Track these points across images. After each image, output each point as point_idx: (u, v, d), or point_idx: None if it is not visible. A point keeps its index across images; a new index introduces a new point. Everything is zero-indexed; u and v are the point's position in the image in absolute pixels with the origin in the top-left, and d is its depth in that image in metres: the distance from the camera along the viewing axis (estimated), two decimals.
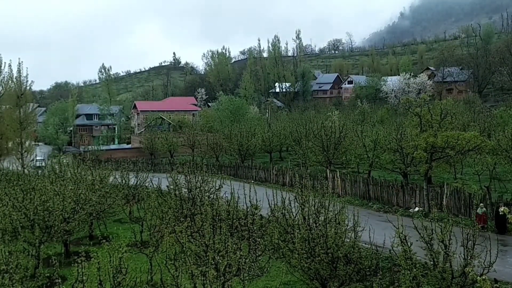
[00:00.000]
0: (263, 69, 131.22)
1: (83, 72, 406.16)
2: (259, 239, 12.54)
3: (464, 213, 22.75)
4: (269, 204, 14.63)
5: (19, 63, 39.84)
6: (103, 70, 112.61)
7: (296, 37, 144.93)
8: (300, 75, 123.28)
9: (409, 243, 10.74)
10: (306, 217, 13.37)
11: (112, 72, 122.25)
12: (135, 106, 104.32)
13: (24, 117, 41.08)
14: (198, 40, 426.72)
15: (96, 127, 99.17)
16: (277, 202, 14.17)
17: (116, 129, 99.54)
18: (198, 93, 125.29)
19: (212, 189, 19.04)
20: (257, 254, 11.99)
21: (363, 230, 12.92)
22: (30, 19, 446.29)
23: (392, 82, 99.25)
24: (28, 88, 41.25)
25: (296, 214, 13.79)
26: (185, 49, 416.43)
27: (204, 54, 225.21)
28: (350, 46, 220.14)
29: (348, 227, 12.96)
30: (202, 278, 9.70)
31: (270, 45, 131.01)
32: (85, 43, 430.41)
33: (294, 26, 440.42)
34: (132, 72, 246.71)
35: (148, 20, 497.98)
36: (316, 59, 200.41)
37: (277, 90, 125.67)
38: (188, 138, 54.71)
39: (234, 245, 11.15)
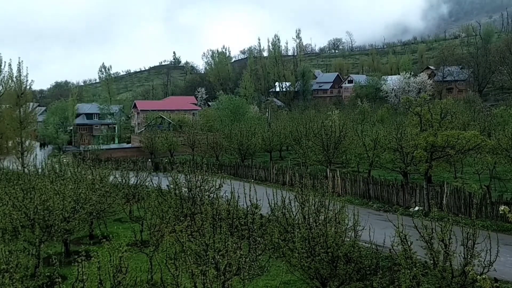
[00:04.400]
0: (263, 68, 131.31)
1: (83, 72, 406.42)
2: (259, 238, 12.54)
3: (464, 212, 22.73)
4: (269, 203, 14.63)
5: (19, 62, 39.90)
6: (103, 70, 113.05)
7: (296, 36, 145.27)
8: (300, 74, 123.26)
9: (409, 242, 10.73)
10: (306, 216, 13.36)
11: (112, 71, 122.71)
12: (135, 106, 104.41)
13: (24, 117, 41.11)
14: (198, 39, 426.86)
15: (96, 126, 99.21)
16: (277, 201, 14.17)
17: (116, 128, 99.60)
18: (198, 92, 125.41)
19: (212, 189, 19.03)
20: (257, 253, 11.99)
21: (363, 229, 12.92)
22: (29, 16, 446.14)
23: (392, 81, 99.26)
24: (28, 87, 41.28)
25: (296, 214, 13.79)
26: (185, 48, 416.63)
27: (204, 53, 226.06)
28: (350, 45, 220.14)
29: (348, 226, 12.95)
30: (202, 277, 9.71)
31: (270, 44, 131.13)
32: (85, 42, 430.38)
33: (294, 25, 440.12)
34: (132, 71, 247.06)
35: (148, 19, 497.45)
36: (316, 59, 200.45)
37: (277, 89, 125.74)
38: (188, 138, 54.70)
39: (234, 245, 11.15)
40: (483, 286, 7.20)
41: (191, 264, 10.25)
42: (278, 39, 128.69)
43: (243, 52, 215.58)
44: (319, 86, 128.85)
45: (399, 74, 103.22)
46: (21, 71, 39.89)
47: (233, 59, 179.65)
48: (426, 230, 10.71)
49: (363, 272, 12.26)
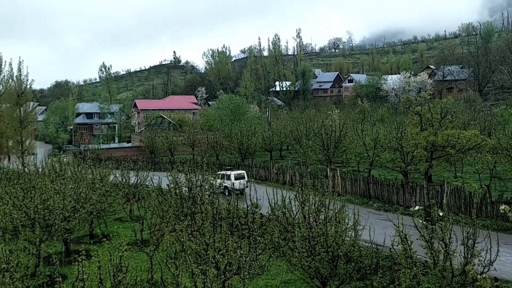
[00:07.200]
0: (264, 67, 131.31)
1: (83, 71, 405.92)
2: (260, 238, 12.53)
3: (464, 211, 22.74)
4: (269, 202, 14.64)
5: (20, 62, 39.92)
6: (103, 69, 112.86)
7: (297, 35, 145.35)
8: (300, 73, 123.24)
9: (409, 242, 10.74)
10: (307, 216, 13.36)
11: (112, 70, 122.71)
12: (135, 105, 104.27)
13: (24, 116, 41.16)
14: (198, 38, 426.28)
15: (96, 125, 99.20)
16: (277, 200, 14.18)
17: (116, 127, 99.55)
18: (199, 91, 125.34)
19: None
20: (257, 253, 11.98)
21: (363, 228, 12.92)
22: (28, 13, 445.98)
23: (392, 80, 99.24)
24: (28, 86, 41.32)
25: (296, 213, 13.80)
26: (186, 48, 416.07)
27: (204, 52, 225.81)
28: (350, 44, 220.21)
29: (348, 225, 12.96)
30: (203, 277, 9.71)
31: (270, 44, 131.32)
32: (85, 41, 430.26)
33: (294, 25, 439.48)
34: (132, 71, 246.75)
35: (148, 19, 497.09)
36: (316, 58, 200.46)
37: (278, 88, 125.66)
38: (189, 137, 54.71)
39: (234, 244, 11.14)
40: (484, 285, 7.21)
41: (191, 263, 10.25)
42: (278, 39, 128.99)
43: (243, 51, 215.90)
44: (319, 86, 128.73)
45: (399, 73, 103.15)
46: (22, 70, 39.95)
47: (233, 59, 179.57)
48: (426, 229, 10.71)
49: (363, 271, 12.26)
